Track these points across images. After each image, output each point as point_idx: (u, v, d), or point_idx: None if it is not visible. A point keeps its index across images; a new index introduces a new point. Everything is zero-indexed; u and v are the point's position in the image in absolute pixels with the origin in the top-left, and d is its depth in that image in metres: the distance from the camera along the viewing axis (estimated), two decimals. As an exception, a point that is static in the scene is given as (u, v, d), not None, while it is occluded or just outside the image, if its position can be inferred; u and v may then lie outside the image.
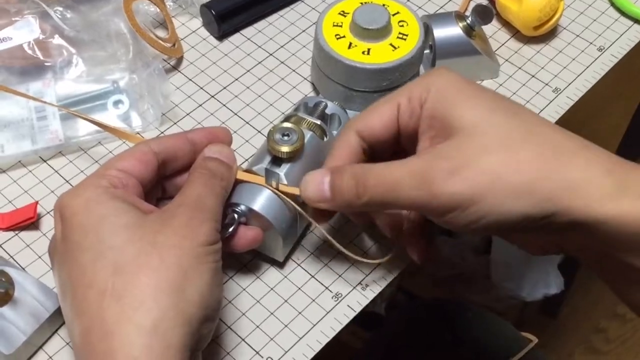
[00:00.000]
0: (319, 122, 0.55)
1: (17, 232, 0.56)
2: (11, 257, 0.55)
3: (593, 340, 1.37)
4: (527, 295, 1.16)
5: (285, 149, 0.51)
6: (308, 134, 0.54)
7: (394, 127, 0.49)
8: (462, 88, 0.46)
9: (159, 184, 0.50)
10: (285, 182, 0.51)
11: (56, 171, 0.60)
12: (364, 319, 1.05)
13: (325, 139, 0.55)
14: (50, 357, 0.51)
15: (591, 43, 0.70)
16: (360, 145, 0.49)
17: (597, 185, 0.41)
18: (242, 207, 0.51)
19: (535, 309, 1.32)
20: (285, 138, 0.52)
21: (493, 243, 1.15)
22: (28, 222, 0.56)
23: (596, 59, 0.69)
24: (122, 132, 0.57)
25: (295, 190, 0.50)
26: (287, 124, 0.52)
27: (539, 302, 1.25)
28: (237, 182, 0.51)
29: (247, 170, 0.52)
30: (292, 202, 0.51)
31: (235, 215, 0.51)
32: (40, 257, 0.55)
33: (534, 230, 0.43)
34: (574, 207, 0.41)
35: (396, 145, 0.50)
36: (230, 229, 0.50)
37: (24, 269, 0.54)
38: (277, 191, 0.51)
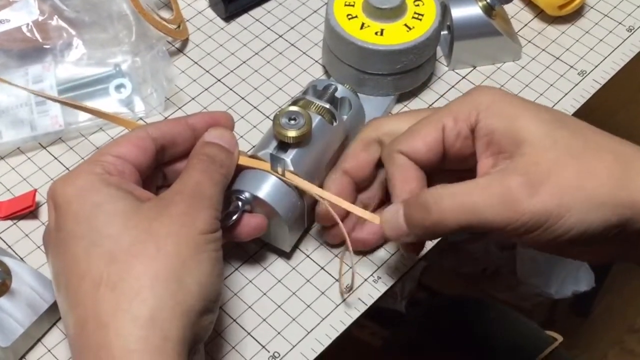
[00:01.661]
0: (328, 105, 0.55)
1: (15, 221, 0.57)
2: (9, 246, 0.56)
3: (627, 341, 1.36)
4: (556, 292, 1.15)
5: (291, 133, 0.51)
6: (316, 119, 0.54)
7: (439, 149, 0.50)
8: (515, 102, 0.48)
9: (159, 171, 0.51)
10: (292, 168, 0.52)
11: (56, 158, 0.61)
12: (384, 317, 1.06)
13: (334, 123, 0.55)
14: (49, 350, 0.52)
15: (620, 23, 0.70)
16: (417, 169, 0.50)
17: None
18: (246, 195, 0.51)
19: (565, 308, 1.31)
20: (292, 122, 0.52)
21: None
22: (26, 210, 0.57)
23: (625, 40, 0.68)
24: (121, 119, 0.57)
25: (303, 182, 0.51)
26: (294, 108, 0.53)
27: (569, 301, 1.25)
28: (242, 169, 0.52)
29: (252, 156, 0.53)
30: (300, 188, 0.51)
31: (239, 203, 0.51)
32: (39, 247, 0.56)
33: (609, 239, 0.45)
34: None
35: (440, 166, 0.51)
36: (234, 217, 0.50)
37: (22, 259, 0.55)
38: (283, 178, 0.51)
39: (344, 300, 0.54)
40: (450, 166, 0.51)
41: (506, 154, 0.46)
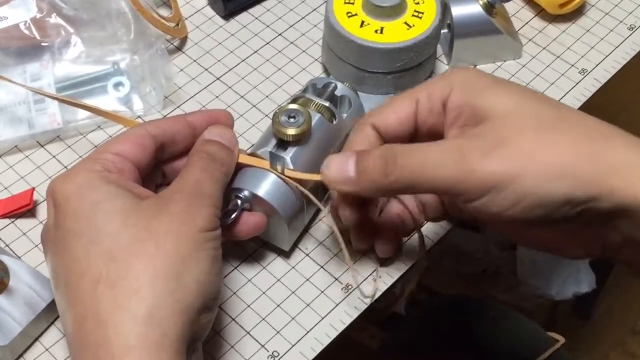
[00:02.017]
0: (327, 104, 0.55)
1: (12, 219, 0.58)
2: (6, 245, 0.56)
3: (629, 343, 1.36)
4: (556, 293, 1.16)
5: (291, 131, 0.52)
6: (316, 117, 0.54)
7: (411, 123, 0.50)
8: (488, 79, 0.48)
9: (158, 169, 0.51)
10: (291, 166, 0.52)
11: (54, 156, 0.61)
12: (383, 320, 1.06)
13: (334, 121, 0.55)
14: (47, 349, 0.52)
15: (621, 21, 0.70)
16: (378, 139, 0.50)
17: (638, 168, 0.42)
18: (246, 193, 0.51)
19: (566, 309, 1.31)
20: (292, 120, 0.52)
21: (520, 237, 1.15)
22: (24, 209, 0.57)
23: (626, 39, 0.69)
24: (120, 117, 0.57)
25: (302, 175, 0.51)
26: (293, 106, 0.53)
27: (570, 302, 1.25)
28: (241, 167, 0.52)
29: (252, 154, 0.53)
30: (299, 187, 0.51)
31: (239, 201, 0.51)
32: (36, 245, 0.56)
33: (575, 219, 0.43)
34: (617, 190, 0.42)
35: (412, 139, 0.51)
36: (233, 216, 0.51)
37: (19, 257, 0.55)
38: (282, 176, 0.51)
39: (349, 291, 0.54)
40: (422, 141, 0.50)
41: (472, 126, 0.46)
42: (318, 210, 0.58)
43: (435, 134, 0.50)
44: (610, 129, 0.45)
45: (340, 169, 0.47)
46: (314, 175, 0.51)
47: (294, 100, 0.55)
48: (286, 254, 0.56)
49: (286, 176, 0.51)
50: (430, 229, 0.57)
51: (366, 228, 0.53)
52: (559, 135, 0.44)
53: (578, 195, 0.42)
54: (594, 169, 0.42)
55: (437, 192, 0.47)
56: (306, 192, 0.52)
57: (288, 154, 0.52)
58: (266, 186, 0.51)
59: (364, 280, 0.55)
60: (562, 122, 0.45)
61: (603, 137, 0.44)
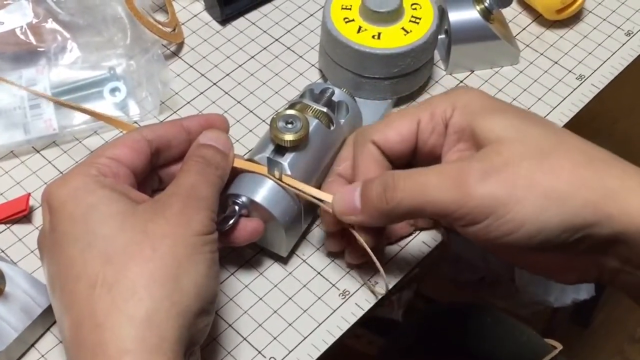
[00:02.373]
0: (325, 109, 0.55)
1: (8, 225, 0.58)
2: (2, 251, 0.56)
3: (628, 351, 1.37)
4: (555, 300, 1.16)
5: (288, 137, 0.52)
6: (313, 122, 0.55)
7: (412, 142, 0.51)
8: (490, 102, 0.49)
9: (154, 174, 0.51)
10: (289, 172, 0.52)
11: (50, 162, 0.62)
12: (380, 327, 1.06)
13: (331, 127, 0.56)
14: (43, 355, 0.52)
15: (619, 27, 0.71)
16: (383, 156, 0.51)
17: (637, 194, 0.43)
18: (243, 199, 0.52)
19: (565, 317, 1.32)
20: (289, 126, 0.53)
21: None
22: (20, 215, 0.58)
23: (624, 44, 0.69)
24: (117, 121, 0.58)
25: (300, 185, 0.52)
26: (291, 111, 0.53)
27: (569, 309, 1.25)
28: (238, 172, 0.52)
29: (249, 160, 0.53)
30: (297, 191, 0.52)
31: (236, 207, 0.52)
32: (32, 251, 0.56)
33: (574, 245, 0.44)
34: (615, 216, 0.43)
35: (410, 161, 0.52)
36: (231, 222, 0.51)
37: (15, 263, 0.56)
38: (280, 182, 0.52)
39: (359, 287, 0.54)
40: (422, 163, 0.51)
41: (472, 150, 0.47)
42: (316, 216, 0.58)
43: (435, 155, 0.51)
44: (608, 155, 0.46)
45: (346, 200, 0.49)
46: (311, 188, 0.52)
47: (291, 106, 0.56)
48: (283, 260, 0.56)
49: (284, 182, 0.52)
50: (427, 236, 0.58)
51: (345, 233, 0.53)
52: (560, 160, 0.44)
53: (577, 222, 0.43)
54: (593, 195, 0.43)
55: (438, 216, 0.47)
56: (307, 194, 0.52)
57: (286, 160, 0.53)
58: (264, 192, 0.52)
59: (361, 286, 0.55)
60: (562, 147, 0.45)
61: (602, 162, 0.45)
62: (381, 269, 0.51)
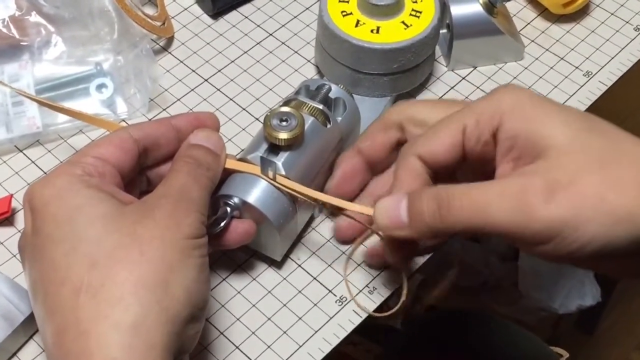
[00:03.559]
0: (321, 106, 0.55)
1: (-11, 228, 0.57)
2: (-18, 255, 0.56)
3: (634, 359, 1.37)
4: (560, 306, 1.16)
5: (283, 135, 0.52)
6: (309, 120, 0.54)
7: (458, 152, 0.49)
8: (542, 104, 0.47)
9: (142, 174, 0.51)
10: (283, 172, 0.52)
11: (33, 162, 0.61)
12: (378, 334, 1.06)
13: (328, 125, 0.55)
14: (25, 365, 0.52)
15: (627, 22, 0.70)
16: (425, 171, 0.50)
17: None
18: (235, 200, 0.51)
19: (570, 323, 1.32)
20: (284, 124, 0.52)
21: (521, 248, 1.15)
22: (1, 217, 0.57)
23: (633, 40, 0.69)
24: (103, 120, 0.57)
25: (295, 185, 0.51)
26: (285, 109, 0.53)
27: (574, 316, 1.25)
28: (230, 172, 0.52)
29: (242, 160, 0.53)
30: (292, 194, 0.51)
31: (228, 209, 0.51)
32: (14, 255, 0.56)
33: (632, 255, 0.44)
34: None
35: (455, 171, 0.51)
36: (222, 224, 0.51)
37: (-4, 268, 0.55)
38: (274, 182, 0.51)
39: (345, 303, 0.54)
40: (472, 171, 0.50)
41: (528, 159, 0.45)
42: (311, 218, 0.57)
43: (483, 162, 0.49)
44: None
45: (392, 214, 0.47)
46: (307, 189, 0.51)
47: (286, 103, 0.55)
48: (277, 265, 0.56)
49: (278, 183, 0.51)
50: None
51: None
52: (622, 173, 0.43)
53: (639, 237, 0.43)
54: None
55: (497, 235, 0.46)
56: (303, 194, 0.51)
57: (280, 159, 0.52)
58: (257, 193, 0.51)
59: (359, 292, 0.55)
60: (625, 158, 0.44)
61: None
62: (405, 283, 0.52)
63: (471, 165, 0.50)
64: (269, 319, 0.54)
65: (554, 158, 0.44)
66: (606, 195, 0.42)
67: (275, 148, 0.53)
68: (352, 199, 0.54)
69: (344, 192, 0.54)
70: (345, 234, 0.56)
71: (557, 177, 0.43)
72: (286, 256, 0.56)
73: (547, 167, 0.44)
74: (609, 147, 0.45)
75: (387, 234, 0.50)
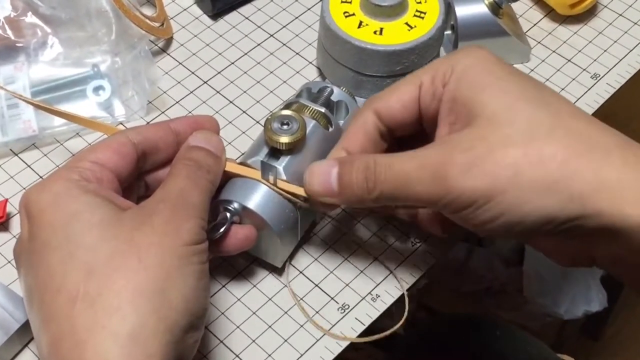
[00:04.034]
0: (323, 109, 0.55)
1: (-17, 233, 0.57)
2: (-23, 261, 0.56)
3: (641, 365, 1.37)
4: (565, 312, 1.16)
5: (284, 139, 0.51)
6: (311, 123, 0.54)
7: (415, 109, 0.50)
8: (491, 70, 0.47)
9: (140, 179, 0.51)
10: (284, 176, 0.51)
11: (28, 166, 0.61)
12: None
13: (330, 128, 0.55)
14: (20, 374, 0.51)
15: (635, 23, 0.70)
16: (378, 127, 0.51)
17: (633, 188, 0.42)
18: (235, 205, 0.51)
19: (575, 329, 1.32)
20: (285, 127, 0.52)
21: (526, 253, 1.15)
22: (-4, 222, 0.57)
23: (641, 41, 0.69)
24: (100, 124, 0.57)
25: (297, 189, 0.51)
26: (287, 112, 0.53)
27: (579, 321, 1.25)
28: (230, 177, 0.52)
29: (242, 164, 0.52)
30: (293, 199, 0.51)
31: (228, 214, 0.51)
32: (9, 261, 0.56)
33: (560, 234, 0.44)
34: (605, 211, 0.42)
35: (419, 129, 0.51)
36: (222, 229, 0.50)
37: (-10, 274, 0.55)
38: (274, 187, 0.51)
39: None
40: (429, 130, 0.51)
41: (461, 125, 0.46)
42: (313, 224, 0.57)
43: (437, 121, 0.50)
44: (613, 139, 0.44)
45: (322, 180, 0.49)
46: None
47: (287, 106, 0.55)
48: (278, 271, 0.55)
49: (279, 188, 0.51)
50: (431, 244, 0.57)
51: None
52: (549, 147, 0.43)
53: (561, 215, 0.43)
54: (584, 188, 0.42)
55: (420, 205, 0.49)
56: (302, 199, 0.51)
57: (281, 164, 0.52)
58: (257, 198, 0.51)
59: (362, 300, 0.54)
60: (557, 131, 0.44)
61: (602, 150, 0.43)
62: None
63: (429, 127, 0.50)
64: (269, 326, 0.53)
65: (481, 128, 0.45)
66: (525, 168, 0.43)
67: (276, 152, 0.52)
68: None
69: None
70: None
71: (478, 148, 0.44)
72: (287, 262, 0.56)
73: (470, 137, 0.45)
74: (545, 119, 0.45)
75: (315, 200, 0.50)
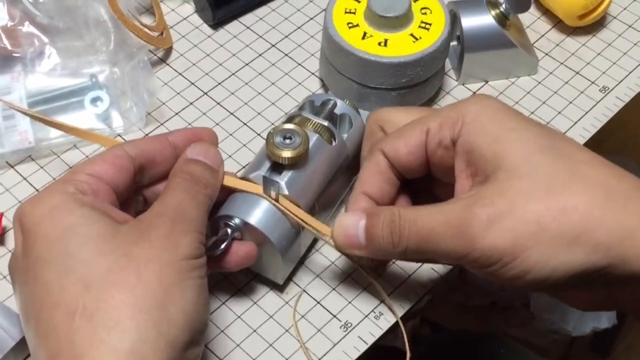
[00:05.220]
0: (326, 123, 0.55)
1: (-22, 247, 0.57)
2: (-29, 276, 0.56)
3: (651, 383, 1.36)
4: (573, 329, 1.15)
5: (286, 154, 0.52)
6: (314, 137, 0.54)
7: (421, 154, 0.51)
8: (502, 119, 0.49)
9: (138, 193, 0.51)
10: (287, 192, 0.52)
11: (25, 178, 0.61)
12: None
13: (333, 143, 0.55)
14: (14, 392, 0.52)
15: (646, 35, 0.71)
16: (390, 167, 0.52)
17: None
18: (236, 221, 0.51)
19: (583, 346, 1.31)
20: (287, 141, 0.52)
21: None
22: (-9, 236, 0.57)
23: (652, 54, 0.69)
24: (97, 136, 0.57)
25: (298, 211, 0.51)
26: (289, 125, 0.53)
27: (587, 338, 1.25)
28: (231, 191, 0.52)
29: (243, 178, 0.53)
30: (294, 218, 0.52)
31: (229, 230, 0.51)
32: (5, 276, 0.56)
33: (587, 285, 0.45)
34: (630, 258, 0.44)
35: (426, 172, 0.53)
36: (223, 246, 0.50)
37: (-15, 290, 0.55)
38: (276, 203, 0.51)
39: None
40: (437, 175, 0.52)
41: (482, 178, 0.48)
42: (315, 240, 0.57)
43: (445, 169, 0.51)
44: (631, 184, 0.46)
45: (350, 233, 0.50)
46: (311, 218, 0.52)
47: (289, 119, 0.55)
48: (279, 288, 0.56)
49: (281, 204, 0.51)
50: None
51: None
52: (571, 200, 0.45)
53: (587, 267, 0.44)
54: (608, 238, 0.44)
55: (446, 261, 0.50)
56: (303, 221, 0.52)
57: (283, 179, 0.52)
58: (259, 214, 0.51)
59: (365, 317, 0.55)
60: (576, 182, 0.45)
61: (622, 197, 0.45)
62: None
63: (437, 172, 0.52)
64: (270, 345, 0.53)
65: (501, 181, 0.46)
66: (548, 223, 0.44)
67: (278, 167, 0.53)
68: None
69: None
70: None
71: (497, 205, 0.45)
72: (288, 279, 0.56)
73: (493, 192, 0.46)
74: (562, 170, 0.46)
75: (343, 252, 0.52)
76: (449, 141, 0.50)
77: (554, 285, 0.45)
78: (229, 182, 0.51)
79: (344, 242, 0.51)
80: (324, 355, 0.53)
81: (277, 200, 0.51)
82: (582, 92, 0.67)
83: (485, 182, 0.47)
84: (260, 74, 0.68)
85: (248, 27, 0.71)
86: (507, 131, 0.48)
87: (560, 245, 0.44)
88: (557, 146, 0.47)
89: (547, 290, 0.47)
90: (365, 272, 0.55)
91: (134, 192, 0.50)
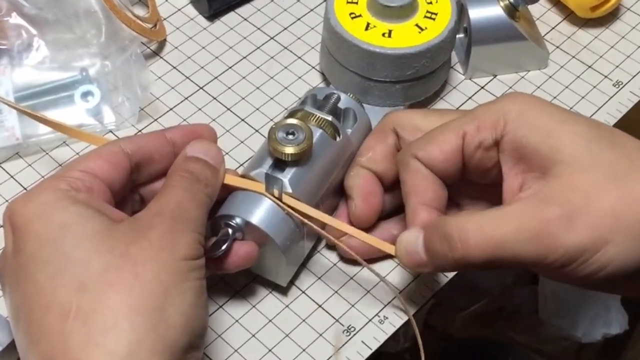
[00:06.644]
0: (330, 118, 0.55)
1: (-36, 248, 0.57)
2: (-43, 278, 0.56)
3: (663, 392, 1.37)
4: (583, 335, 1.16)
5: (289, 150, 0.52)
6: (317, 133, 0.54)
7: (458, 160, 0.51)
8: (549, 112, 0.49)
9: (135, 192, 0.51)
10: (290, 189, 0.52)
11: (12, 176, 0.61)
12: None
13: (337, 138, 0.55)
14: (3, 400, 0.52)
15: (661, 27, 0.71)
16: (431, 174, 0.52)
17: None
18: (238, 220, 0.51)
19: (593, 352, 1.32)
20: (290, 137, 0.52)
21: (541, 271, 1.15)
22: (-22, 237, 0.57)
23: (667, 46, 0.69)
24: (88, 135, 0.57)
25: (303, 206, 0.51)
26: (292, 120, 0.53)
27: (598, 345, 1.25)
28: (232, 190, 0.52)
29: (244, 176, 0.53)
30: (297, 216, 0.52)
31: (230, 230, 0.51)
32: (-9, 279, 0.56)
33: None
34: None
35: (460, 176, 0.53)
36: (224, 247, 0.50)
37: (-28, 293, 0.55)
38: (279, 201, 0.51)
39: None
40: (471, 178, 0.53)
41: (537, 174, 0.48)
42: (319, 240, 0.57)
43: (484, 170, 0.51)
44: None
45: (411, 250, 0.50)
46: (317, 211, 0.52)
47: (291, 114, 0.55)
48: (279, 291, 0.56)
49: (284, 202, 0.51)
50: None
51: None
52: (636, 187, 0.45)
53: None
54: None
55: (514, 268, 0.50)
56: (308, 221, 0.52)
57: (286, 176, 0.52)
58: (261, 213, 0.51)
59: (369, 321, 0.55)
60: (636, 170, 0.46)
61: None
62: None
63: (473, 174, 0.52)
64: (269, 350, 0.54)
65: (567, 176, 0.46)
66: (625, 213, 0.45)
67: (280, 163, 0.53)
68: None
69: (369, 216, 0.55)
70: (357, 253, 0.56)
71: (573, 202, 0.45)
72: (289, 282, 0.56)
73: (562, 188, 0.46)
74: (621, 159, 0.47)
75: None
76: (491, 142, 0.50)
77: (628, 277, 0.46)
78: (230, 180, 0.51)
79: (407, 261, 0.50)
80: (327, 360, 0.53)
81: (280, 198, 0.51)
82: (594, 87, 0.67)
83: (544, 178, 0.47)
84: (258, 67, 0.68)
85: (245, 19, 0.71)
86: (559, 124, 0.48)
87: (634, 237, 0.45)
88: (607, 135, 0.48)
89: (618, 283, 0.47)
90: (374, 272, 0.55)
91: (130, 190, 0.50)
